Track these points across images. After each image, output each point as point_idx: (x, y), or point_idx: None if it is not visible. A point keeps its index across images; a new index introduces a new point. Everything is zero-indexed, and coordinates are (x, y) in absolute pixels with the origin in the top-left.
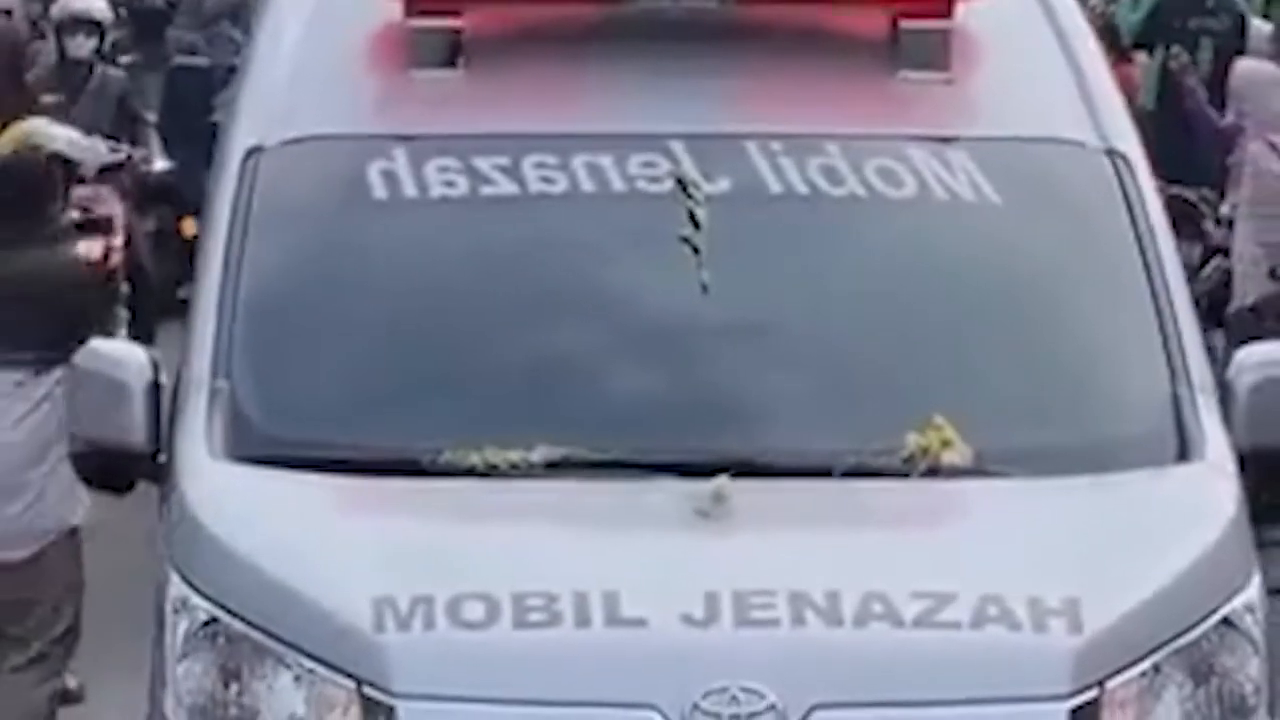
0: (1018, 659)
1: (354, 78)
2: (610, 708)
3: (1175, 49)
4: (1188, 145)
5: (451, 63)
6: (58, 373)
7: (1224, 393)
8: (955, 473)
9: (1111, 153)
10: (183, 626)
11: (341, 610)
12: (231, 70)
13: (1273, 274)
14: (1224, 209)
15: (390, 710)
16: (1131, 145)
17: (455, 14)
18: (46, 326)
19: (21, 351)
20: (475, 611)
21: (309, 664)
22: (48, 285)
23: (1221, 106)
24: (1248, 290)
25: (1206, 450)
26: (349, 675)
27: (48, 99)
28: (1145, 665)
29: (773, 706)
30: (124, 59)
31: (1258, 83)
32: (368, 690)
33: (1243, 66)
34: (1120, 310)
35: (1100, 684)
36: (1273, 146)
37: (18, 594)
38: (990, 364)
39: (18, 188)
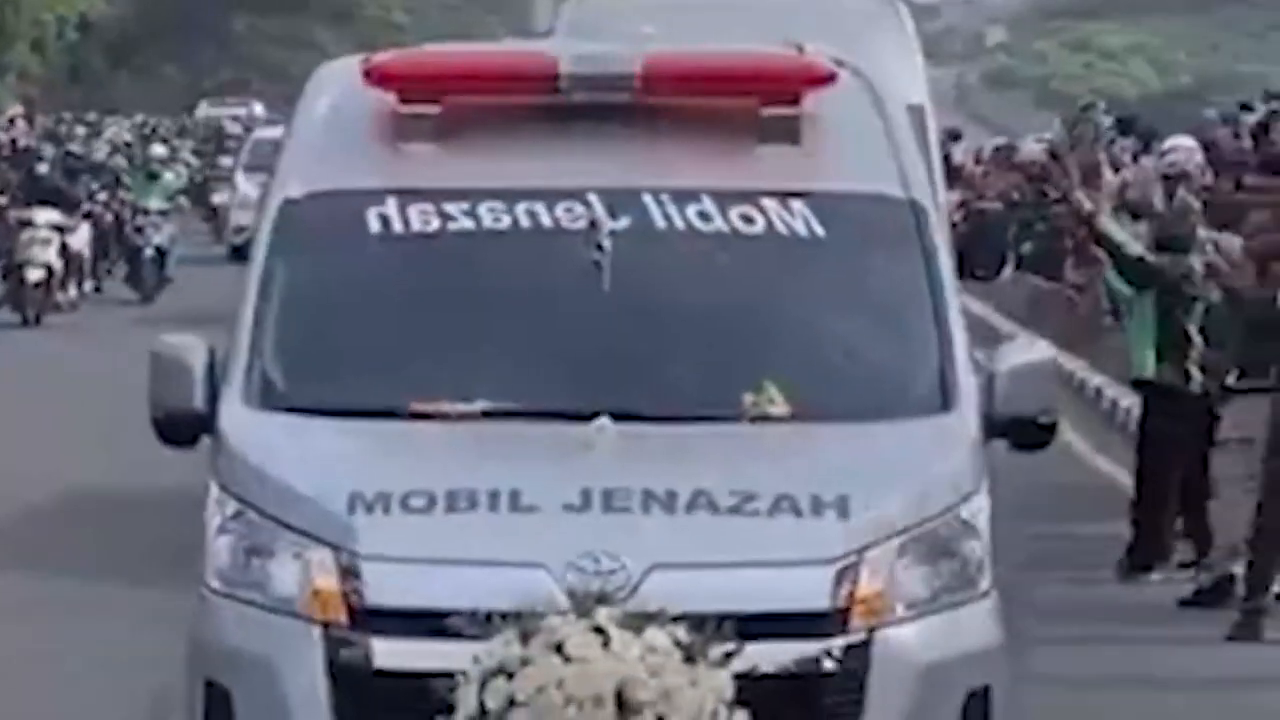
0: (800, 534)
1: (360, 149)
2: (513, 566)
3: None
4: None
5: (430, 138)
6: None
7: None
8: (776, 420)
9: (912, 203)
10: (217, 518)
11: (327, 502)
12: None
13: None
14: None
15: (357, 569)
16: (926, 197)
17: (435, 103)
18: None
19: None
20: (419, 502)
21: (304, 540)
22: None
23: None
24: None
25: (959, 406)
26: (330, 544)
27: None
28: (894, 543)
29: (624, 566)
30: None
31: None
32: (342, 556)
33: None
34: (908, 312)
35: (859, 552)
36: None
37: None
38: (808, 346)
39: None
